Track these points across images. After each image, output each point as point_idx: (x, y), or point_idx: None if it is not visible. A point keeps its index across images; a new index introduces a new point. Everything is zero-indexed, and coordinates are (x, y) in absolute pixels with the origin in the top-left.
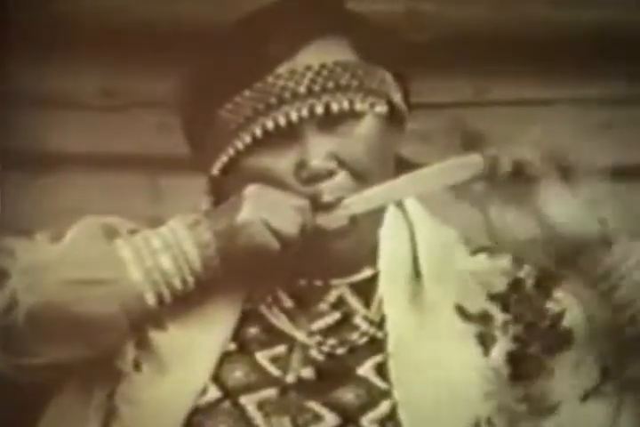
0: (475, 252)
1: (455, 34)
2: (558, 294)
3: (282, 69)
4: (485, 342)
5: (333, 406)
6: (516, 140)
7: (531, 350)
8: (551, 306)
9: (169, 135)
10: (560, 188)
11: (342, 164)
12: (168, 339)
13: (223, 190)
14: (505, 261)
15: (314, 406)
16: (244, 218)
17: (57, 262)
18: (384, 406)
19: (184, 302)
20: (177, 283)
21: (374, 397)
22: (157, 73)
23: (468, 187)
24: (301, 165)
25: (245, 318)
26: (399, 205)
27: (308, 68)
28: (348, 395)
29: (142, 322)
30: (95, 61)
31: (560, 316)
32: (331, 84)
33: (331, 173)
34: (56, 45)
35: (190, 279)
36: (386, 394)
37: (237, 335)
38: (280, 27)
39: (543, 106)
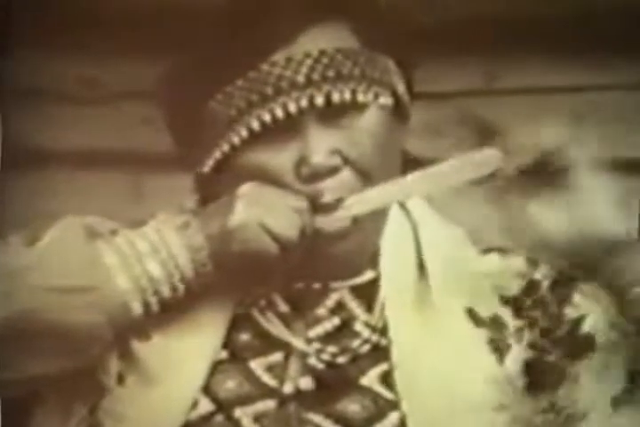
0: (486, 251)
1: (464, 15)
2: (577, 297)
3: (278, 57)
4: (499, 349)
5: (337, 419)
6: (537, 131)
7: (549, 358)
8: (569, 311)
9: (155, 130)
10: (588, 181)
11: (346, 160)
12: (153, 349)
13: (212, 189)
14: (519, 262)
15: (316, 418)
16: (238, 220)
17: (34, 267)
18: (393, 418)
19: (171, 309)
20: (165, 291)
21: (381, 408)
22: (142, 61)
23: (483, 182)
24: (302, 162)
25: (237, 324)
26: (402, 203)
27: (307, 55)
28: (352, 406)
29: (127, 332)
30: (75, 49)
31: (579, 321)
32: (331, 73)
33: (334, 171)
34: (35, 34)
35: (180, 286)
36: (394, 405)
37: (228, 342)
38: (277, 11)
39: (560, 93)
